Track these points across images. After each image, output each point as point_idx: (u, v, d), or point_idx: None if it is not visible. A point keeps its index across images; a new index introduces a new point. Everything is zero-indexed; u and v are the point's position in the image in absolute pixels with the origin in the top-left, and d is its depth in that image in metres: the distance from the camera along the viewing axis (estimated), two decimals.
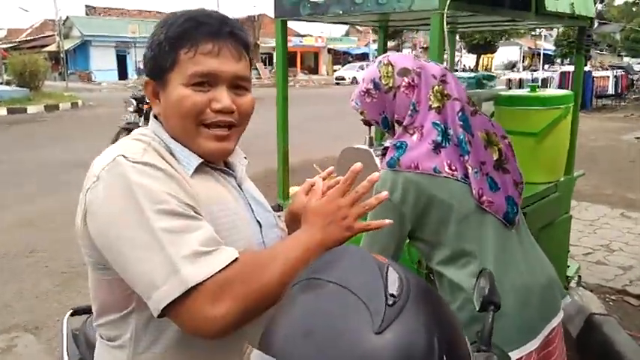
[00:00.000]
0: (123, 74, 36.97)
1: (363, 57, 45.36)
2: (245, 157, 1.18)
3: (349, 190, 0.96)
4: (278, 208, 1.17)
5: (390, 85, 1.49)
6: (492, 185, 1.48)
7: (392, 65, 1.51)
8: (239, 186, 1.09)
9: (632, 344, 2.80)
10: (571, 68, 20.58)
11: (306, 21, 2.51)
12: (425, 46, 52.42)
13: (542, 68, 23.61)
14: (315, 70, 43.45)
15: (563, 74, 16.87)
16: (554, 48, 42.11)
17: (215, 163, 1.06)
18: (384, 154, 1.62)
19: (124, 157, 0.92)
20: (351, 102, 1.61)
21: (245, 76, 1.02)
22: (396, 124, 1.52)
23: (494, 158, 1.50)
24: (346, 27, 57.43)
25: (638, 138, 10.52)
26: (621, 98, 18.04)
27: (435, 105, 1.47)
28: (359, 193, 0.95)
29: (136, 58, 35.50)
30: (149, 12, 42.46)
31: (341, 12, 2.17)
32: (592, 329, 3.01)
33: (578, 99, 2.99)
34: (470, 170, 1.45)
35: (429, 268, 2.00)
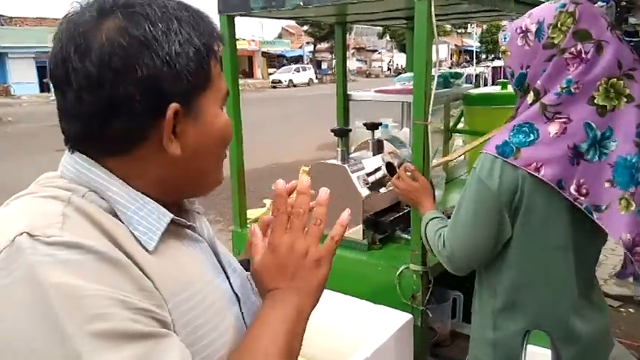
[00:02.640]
0: (45, 87, 34.93)
1: (298, 60, 45.26)
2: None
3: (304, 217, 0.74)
4: (247, 265, 0.85)
5: (556, 41, 1.10)
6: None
7: (574, 18, 1.09)
8: (209, 243, 0.76)
9: None
10: (500, 63, 21.38)
11: (256, 16, 2.14)
12: (357, 47, 53.17)
13: (475, 64, 24.37)
14: (250, 74, 42.78)
15: (495, 69, 17.48)
16: (478, 44, 43.78)
17: (182, 217, 0.72)
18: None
19: (30, 235, 0.56)
20: (502, 32, 1.23)
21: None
22: (532, 91, 1.14)
23: None
24: (279, 29, 57.32)
25: None
26: None
27: (601, 103, 1.08)
28: (333, 238, 0.75)
29: None
30: None
31: (302, 3, 1.82)
32: None
33: None
34: (632, 208, 1.07)
35: (428, 304, 1.71)
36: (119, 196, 0.65)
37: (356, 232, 1.88)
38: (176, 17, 0.65)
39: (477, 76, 17.00)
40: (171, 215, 0.68)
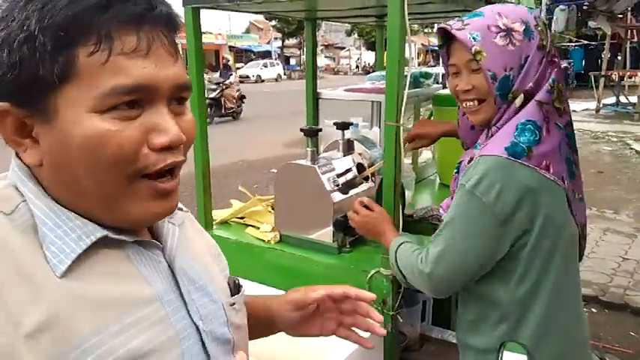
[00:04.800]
0: None
1: (266, 55, 44.93)
2: (179, 208, 0.76)
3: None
4: (235, 288, 0.80)
5: (545, 43, 1.08)
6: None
7: (544, 24, 1.11)
8: (169, 264, 0.66)
9: None
10: None
11: (223, 9, 2.07)
12: (325, 44, 53.22)
13: (442, 64, 24.73)
14: (216, 69, 42.21)
15: None
16: None
17: (130, 233, 0.62)
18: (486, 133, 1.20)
19: None
20: (459, 31, 1.11)
21: (187, 81, 0.62)
22: (521, 94, 1.09)
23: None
24: (247, 24, 56.73)
25: None
26: None
27: (558, 105, 1.11)
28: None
29: None
30: None
31: None
32: None
33: None
34: (576, 197, 1.17)
35: (398, 308, 1.67)
36: (39, 210, 0.58)
37: (325, 235, 1.82)
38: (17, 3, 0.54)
39: (443, 75, 17.17)
40: (101, 234, 0.59)
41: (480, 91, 1.14)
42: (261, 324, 0.90)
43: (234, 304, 0.76)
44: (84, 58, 0.54)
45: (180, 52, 0.63)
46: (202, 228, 0.87)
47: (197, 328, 0.66)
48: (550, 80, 1.09)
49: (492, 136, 1.14)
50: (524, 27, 1.07)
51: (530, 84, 1.09)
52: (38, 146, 0.57)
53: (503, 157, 1.04)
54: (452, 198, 1.27)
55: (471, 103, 1.18)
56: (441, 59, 1.37)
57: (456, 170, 1.31)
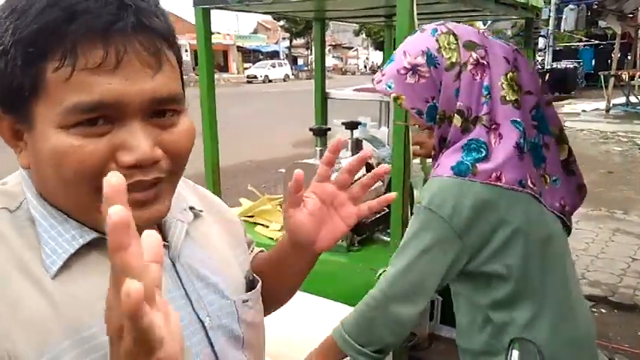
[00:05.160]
0: None
1: (274, 55, 45.01)
2: (191, 208, 0.74)
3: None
4: (250, 283, 0.79)
5: (454, 60, 1.08)
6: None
7: (454, 35, 1.10)
8: (173, 262, 0.67)
9: None
10: None
11: (233, 10, 2.08)
12: (333, 44, 53.22)
13: None
14: (225, 69, 42.38)
15: None
16: None
17: None
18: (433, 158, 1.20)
19: None
20: (378, 84, 1.15)
21: (172, 94, 0.58)
22: (455, 115, 1.10)
23: (562, 158, 1.18)
24: (254, 24, 56.85)
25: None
26: None
27: (512, 97, 1.09)
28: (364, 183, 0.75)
29: None
30: None
31: None
32: None
33: None
34: (548, 180, 1.13)
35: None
36: (36, 210, 0.59)
37: None
38: (11, 8, 0.54)
39: None
40: (94, 235, 0.59)
41: (427, 145, 1.19)
42: (283, 265, 0.83)
43: (247, 300, 0.75)
44: (50, 74, 0.52)
45: (185, 55, 0.60)
46: (233, 217, 0.86)
47: (203, 324, 0.67)
48: (483, 88, 1.08)
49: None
50: (425, 57, 1.10)
51: (459, 103, 1.10)
52: (26, 148, 0.59)
53: (450, 177, 1.07)
54: None
55: (420, 151, 1.25)
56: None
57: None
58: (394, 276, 1.14)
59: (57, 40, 0.51)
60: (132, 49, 0.53)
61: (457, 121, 1.10)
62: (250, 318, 0.76)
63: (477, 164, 1.06)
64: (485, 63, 1.09)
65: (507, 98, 1.09)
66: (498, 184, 1.05)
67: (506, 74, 1.10)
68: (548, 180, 1.13)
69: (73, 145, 0.53)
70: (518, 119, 1.08)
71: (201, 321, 0.67)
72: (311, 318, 1.58)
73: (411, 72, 1.11)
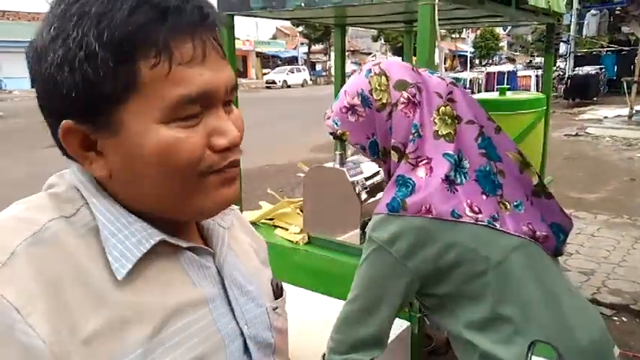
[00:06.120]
0: None
1: (292, 61, 45.24)
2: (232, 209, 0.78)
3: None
4: (278, 291, 0.82)
5: (384, 100, 1.15)
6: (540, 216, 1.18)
7: (386, 76, 1.17)
8: (219, 270, 0.68)
9: None
10: (494, 69, 21.50)
11: (256, 16, 2.12)
12: (352, 49, 53.26)
13: (469, 69, 24.46)
14: (244, 74, 42.69)
15: (489, 75, 17.57)
16: (472, 50, 44.00)
17: (184, 238, 0.64)
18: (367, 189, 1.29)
19: None
20: (327, 120, 1.24)
21: (235, 82, 0.63)
22: (392, 152, 1.16)
23: (534, 183, 1.18)
24: (273, 30, 57.23)
25: (567, 135, 10.87)
26: None
27: (444, 131, 1.13)
28: None
29: None
30: None
31: (303, 4, 1.80)
32: None
33: (550, 102, 2.80)
34: (509, 206, 1.13)
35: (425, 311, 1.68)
36: (101, 214, 0.59)
37: (353, 237, 1.85)
38: (80, 13, 0.53)
39: (470, 81, 17.05)
40: (159, 238, 0.60)
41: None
42: None
43: (276, 308, 0.76)
44: (146, 71, 0.54)
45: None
46: (253, 229, 0.88)
47: (241, 332, 0.67)
48: (412, 127, 1.13)
49: None
50: (360, 98, 1.17)
51: (393, 140, 1.15)
52: (103, 158, 0.58)
53: (385, 214, 1.11)
54: None
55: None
56: None
57: None
58: (344, 310, 1.20)
59: (151, 38, 0.54)
60: (210, 43, 0.58)
61: (394, 156, 1.16)
62: (280, 324, 0.77)
63: (406, 199, 1.10)
64: (417, 101, 1.14)
65: (440, 132, 1.14)
66: (428, 216, 1.09)
67: (438, 109, 1.15)
68: (509, 206, 1.14)
69: (179, 137, 0.56)
70: (451, 152, 1.12)
71: (240, 329, 0.68)
72: (323, 318, 1.60)
73: (350, 111, 1.19)
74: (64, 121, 0.56)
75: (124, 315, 0.56)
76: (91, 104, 0.55)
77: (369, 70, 1.19)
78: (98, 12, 0.53)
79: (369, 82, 1.17)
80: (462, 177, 1.12)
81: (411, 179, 1.12)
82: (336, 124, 1.21)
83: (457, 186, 1.11)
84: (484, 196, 1.13)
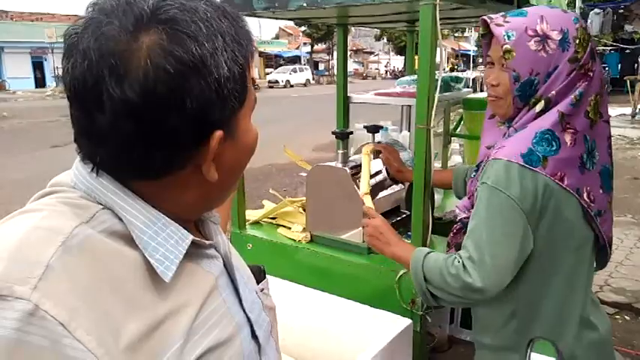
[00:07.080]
0: (40, 82, 34.69)
1: (295, 60, 45.25)
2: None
3: None
4: (260, 275, 0.84)
5: (579, 56, 1.10)
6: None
7: (588, 36, 1.12)
8: (224, 260, 0.71)
9: None
10: None
11: (259, 16, 2.13)
12: (354, 48, 53.24)
13: (472, 68, 24.43)
14: None
15: None
16: (475, 48, 43.89)
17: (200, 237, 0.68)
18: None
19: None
20: (497, 27, 1.12)
21: None
22: (542, 101, 1.12)
23: (608, 200, 1.24)
24: (276, 30, 57.30)
25: None
26: None
27: (592, 117, 1.13)
28: None
29: (54, 64, 33.23)
30: (66, 16, 39.99)
31: (305, 4, 1.81)
32: None
33: None
34: (609, 208, 1.21)
35: (427, 309, 1.69)
36: (137, 219, 0.58)
37: (356, 236, 1.86)
38: (220, 32, 0.57)
39: (473, 80, 17.02)
40: (191, 237, 0.62)
41: (504, 87, 1.17)
42: None
43: (263, 289, 0.81)
44: (247, 75, 0.62)
45: None
46: None
47: (248, 318, 0.71)
48: (577, 92, 1.10)
49: (509, 136, 1.17)
50: (561, 36, 1.08)
51: (554, 92, 1.11)
52: (215, 164, 0.61)
53: (519, 163, 1.07)
54: (469, 198, 1.30)
55: (493, 97, 1.22)
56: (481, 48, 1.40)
57: (475, 170, 1.33)
58: (477, 265, 1.11)
59: (252, 51, 0.63)
60: None
61: (539, 106, 1.12)
62: (269, 303, 0.81)
63: (549, 157, 1.08)
64: (590, 75, 1.12)
65: (589, 115, 1.12)
66: (561, 183, 1.08)
67: (596, 95, 1.13)
68: (603, 210, 1.18)
69: (256, 130, 0.68)
70: (589, 137, 1.12)
71: (247, 316, 0.71)
72: (332, 318, 1.61)
73: (538, 39, 1.09)
74: (218, 131, 0.59)
75: (162, 314, 0.57)
76: (233, 111, 0.61)
77: (577, 19, 1.13)
78: (230, 32, 0.59)
79: (577, 30, 1.11)
80: (591, 164, 1.13)
81: (559, 139, 1.09)
82: (509, 37, 1.10)
83: (585, 169, 1.12)
84: (601, 190, 1.16)
